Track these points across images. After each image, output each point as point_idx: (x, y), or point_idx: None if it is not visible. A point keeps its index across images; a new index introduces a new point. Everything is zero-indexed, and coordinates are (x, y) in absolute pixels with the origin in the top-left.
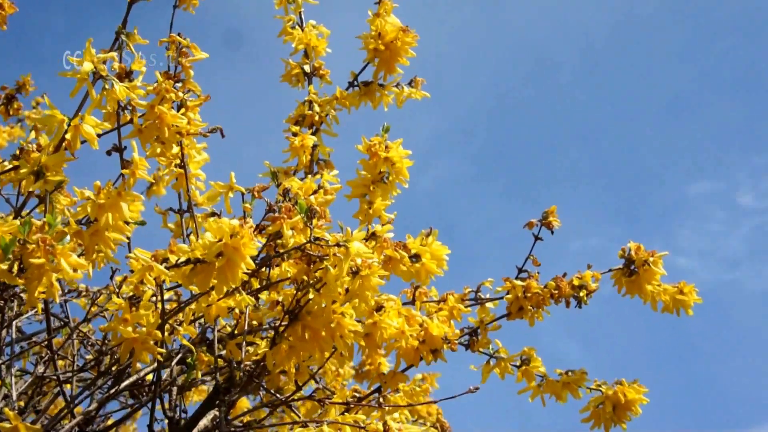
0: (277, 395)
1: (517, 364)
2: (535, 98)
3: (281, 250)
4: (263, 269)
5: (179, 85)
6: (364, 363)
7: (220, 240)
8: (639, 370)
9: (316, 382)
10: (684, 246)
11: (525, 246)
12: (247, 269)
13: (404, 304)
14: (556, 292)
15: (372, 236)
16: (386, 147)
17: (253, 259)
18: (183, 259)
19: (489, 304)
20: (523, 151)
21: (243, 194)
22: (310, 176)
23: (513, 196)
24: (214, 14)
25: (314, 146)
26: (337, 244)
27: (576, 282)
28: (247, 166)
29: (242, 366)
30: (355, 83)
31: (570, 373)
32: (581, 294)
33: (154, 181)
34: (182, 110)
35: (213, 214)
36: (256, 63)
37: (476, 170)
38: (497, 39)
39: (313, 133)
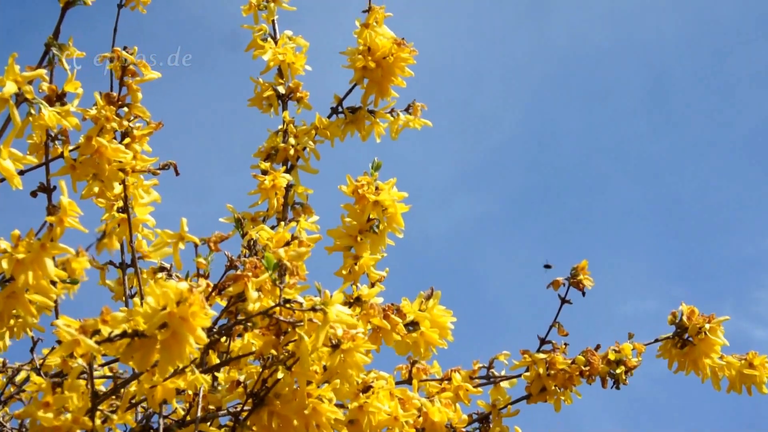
0: None
1: None
2: (584, 127)
3: (244, 317)
4: (222, 341)
5: (124, 110)
6: None
7: (164, 308)
8: None
9: None
10: (763, 313)
11: (564, 308)
12: (199, 344)
13: (398, 383)
14: (587, 369)
15: (356, 301)
16: (376, 188)
17: (209, 328)
18: (117, 331)
19: (504, 384)
20: (566, 190)
21: (196, 246)
22: (283, 224)
23: (551, 244)
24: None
25: (289, 186)
26: (313, 308)
27: (612, 356)
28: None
29: None
30: (340, 109)
31: None
32: (618, 371)
33: (104, 233)
34: (127, 141)
35: (162, 269)
36: (229, 80)
37: (507, 211)
38: (541, 54)
39: (287, 171)
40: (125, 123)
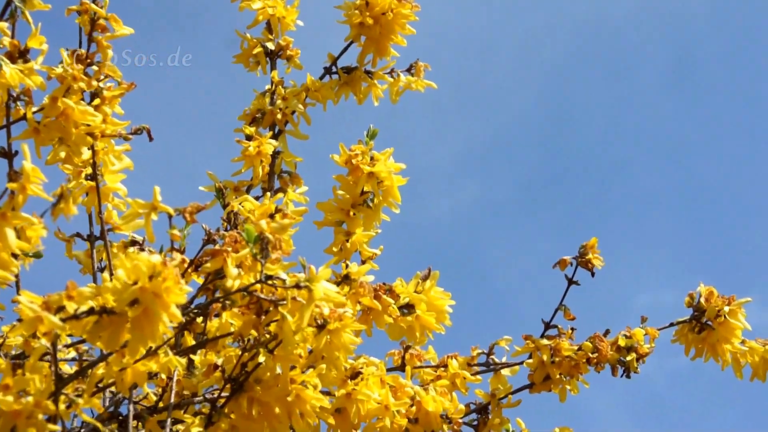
0: None
1: None
2: (603, 105)
3: (222, 294)
4: (199, 320)
5: (93, 69)
6: None
7: (135, 283)
8: None
9: None
10: None
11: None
12: (173, 322)
13: (390, 370)
14: (595, 356)
15: (345, 279)
16: (371, 159)
17: (185, 306)
18: (84, 308)
19: (505, 372)
20: (582, 173)
21: (171, 217)
22: (269, 194)
23: (565, 231)
24: None
25: (276, 154)
26: (297, 285)
27: (622, 342)
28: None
29: None
30: (334, 69)
31: None
32: (629, 358)
33: (60, 197)
34: (96, 102)
35: (134, 242)
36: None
37: (517, 195)
38: (557, 26)
39: (274, 136)
40: (94, 83)
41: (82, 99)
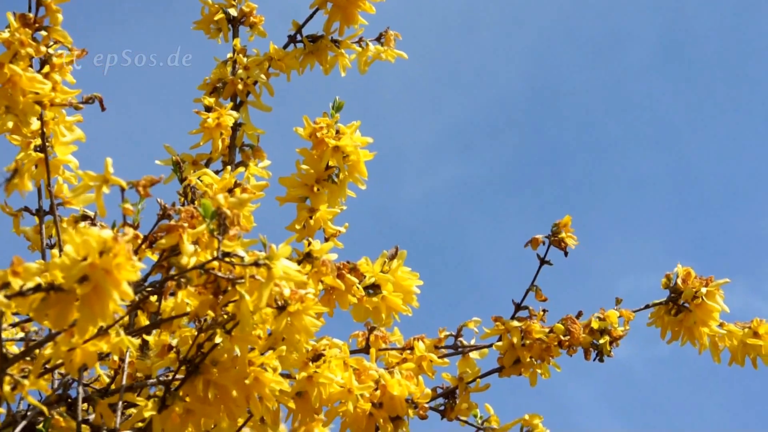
0: None
1: None
2: (592, 85)
3: (177, 272)
4: (153, 299)
5: (42, 34)
6: None
7: (85, 259)
8: None
9: None
10: None
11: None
12: (124, 301)
13: (353, 352)
14: (567, 338)
15: (307, 257)
16: (337, 132)
17: (138, 284)
18: (31, 284)
19: (473, 355)
20: (568, 154)
21: (123, 190)
22: (229, 168)
23: (548, 214)
24: None
25: (237, 126)
26: (256, 263)
27: (595, 325)
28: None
29: None
30: (299, 38)
31: None
32: (602, 341)
33: (15, 171)
34: (45, 70)
35: (85, 217)
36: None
37: (499, 176)
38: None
39: (235, 108)
40: (43, 49)
41: (31, 66)
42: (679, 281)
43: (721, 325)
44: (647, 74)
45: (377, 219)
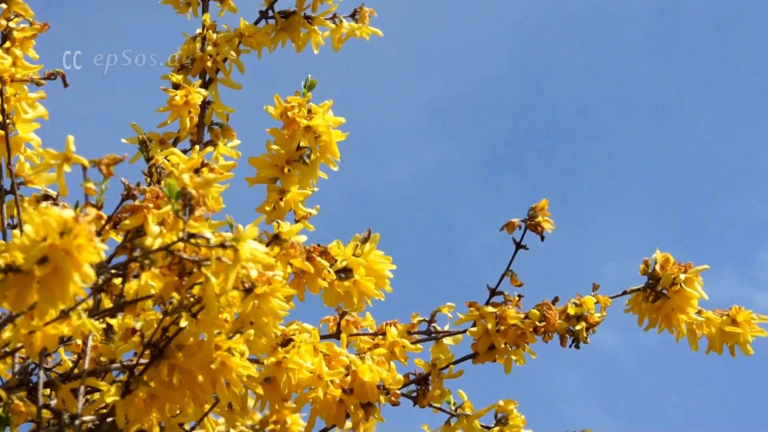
0: None
1: (491, 424)
2: (581, 66)
3: (142, 253)
4: (116, 281)
5: (2, 7)
6: (266, 421)
7: (45, 239)
8: None
9: None
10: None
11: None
12: (86, 283)
13: (324, 337)
14: (542, 324)
15: (275, 239)
16: (309, 111)
17: (101, 266)
18: None
19: (447, 340)
20: (556, 136)
21: (85, 169)
22: (197, 147)
23: (535, 198)
24: None
25: (206, 104)
26: (222, 245)
27: (572, 311)
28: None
29: (80, 421)
30: (270, 13)
31: None
32: (578, 328)
33: None
34: (6, 45)
35: (47, 197)
36: None
37: (485, 160)
38: None
39: (204, 85)
40: (3, 22)
41: None
42: (658, 267)
43: (699, 313)
44: (638, 55)
45: (359, 201)
